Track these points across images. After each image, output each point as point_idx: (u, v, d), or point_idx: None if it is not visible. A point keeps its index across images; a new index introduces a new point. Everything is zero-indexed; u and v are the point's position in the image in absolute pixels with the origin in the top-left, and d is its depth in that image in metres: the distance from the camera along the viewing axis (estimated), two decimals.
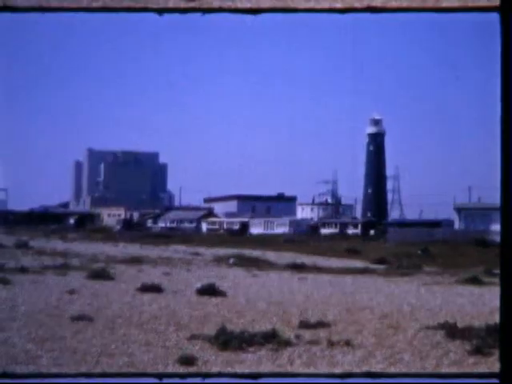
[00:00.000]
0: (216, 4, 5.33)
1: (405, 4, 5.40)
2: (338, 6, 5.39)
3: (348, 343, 12.42)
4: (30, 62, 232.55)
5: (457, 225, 78.31)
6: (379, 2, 5.36)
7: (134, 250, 45.05)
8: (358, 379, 6.41)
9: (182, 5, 5.36)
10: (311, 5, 5.39)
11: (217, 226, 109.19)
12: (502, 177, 5.25)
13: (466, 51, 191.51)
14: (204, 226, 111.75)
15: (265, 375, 8.37)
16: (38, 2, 5.22)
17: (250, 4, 5.35)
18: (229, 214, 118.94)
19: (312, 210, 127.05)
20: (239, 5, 5.35)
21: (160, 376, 5.67)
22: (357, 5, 5.37)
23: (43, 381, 6.74)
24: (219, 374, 7.53)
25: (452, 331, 13.53)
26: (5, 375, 8.02)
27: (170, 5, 5.35)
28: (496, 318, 10.71)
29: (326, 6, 5.40)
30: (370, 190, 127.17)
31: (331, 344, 12.34)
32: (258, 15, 5.40)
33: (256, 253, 43.07)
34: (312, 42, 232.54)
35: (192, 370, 10.24)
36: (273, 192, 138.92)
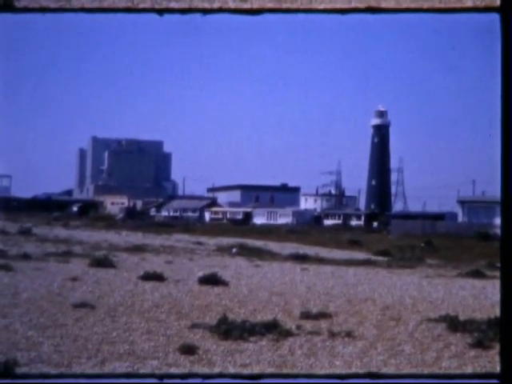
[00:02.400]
0: (216, 4, 5.33)
1: (404, 4, 5.41)
2: (339, 6, 5.41)
3: (349, 334, 12.43)
4: (38, 55, 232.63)
5: (460, 218, 78.25)
6: (379, 3, 5.37)
7: (137, 238, 45.05)
8: (358, 379, 6.41)
9: (183, 5, 5.36)
10: (312, 5, 5.39)
11: (220, 216, 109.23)
12: (502, 171, 5.25)
13: (466, 51, 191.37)
14: (207, 216, 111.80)
15: (265, 376, 8.38)
16: (38, 2, 5.21)
17: (251, 4, 5.35)
18: (232, 204, 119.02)
19: (315, 200, 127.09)
20: (239, 5, 5.35)
21: (160, 376, 5.68)
22: (357, 5, 5.38)
23: (44, 381, 6.75)
24: (220, 375, 7.54)
25: (453, 324, 13.53)
26: (5, 375, 8.03)
27: (171, 5, 5.35)
28: (497, 312, 10.71)
29: (326, 6, 5.41)
30: (373, 182, 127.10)
31: (332, 335, 12.35)
32: (258, 15, 5.40)
33: (259, 243, 43.03)
34: (313, 42, 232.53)
35: (193, 358, 10.25)
36: (276, 182, 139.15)
